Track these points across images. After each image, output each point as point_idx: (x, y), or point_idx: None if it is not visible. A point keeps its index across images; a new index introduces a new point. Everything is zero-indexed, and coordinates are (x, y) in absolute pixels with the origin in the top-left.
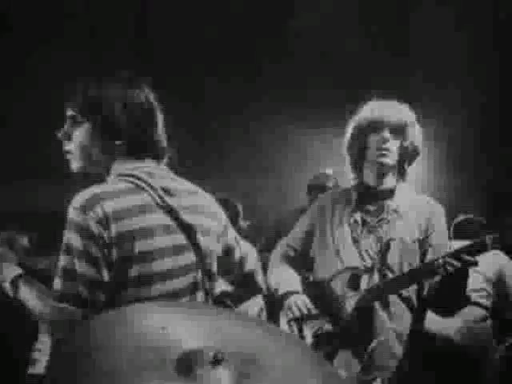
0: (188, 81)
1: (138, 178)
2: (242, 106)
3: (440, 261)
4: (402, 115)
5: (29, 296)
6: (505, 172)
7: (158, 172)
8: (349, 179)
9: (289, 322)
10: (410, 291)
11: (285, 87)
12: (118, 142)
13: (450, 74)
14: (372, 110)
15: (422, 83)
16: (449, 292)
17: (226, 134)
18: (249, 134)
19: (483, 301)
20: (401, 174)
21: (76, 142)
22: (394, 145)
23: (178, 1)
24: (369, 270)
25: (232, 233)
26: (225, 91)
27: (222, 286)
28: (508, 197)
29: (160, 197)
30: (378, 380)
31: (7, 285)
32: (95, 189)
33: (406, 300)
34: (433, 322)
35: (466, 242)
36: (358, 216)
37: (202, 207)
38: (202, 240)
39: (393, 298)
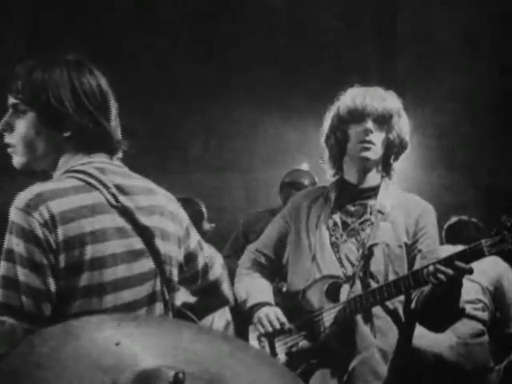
0: (144, 64)
1: (89, 175)
2: (204, 92)
3: (430, 268)
4: (387, 104)
5: None
6: (503, 168)
7: (111, 168)
8: (327, 176)
9: (259, 337)
10: (397, 303)
11: (253, 70)
12: (65, 134)
13: (440, 59)
14: (353, 97)
15: (409, 68)
16: (440, 304)
17: (186, 123)
18: (212, 123)
19: (479, 313)
20: (386, 170)
21: (19, 133)
22: (377, 137)
23: None
24: (349, 279)
25: (195, 237)
26: (185, 74)
27: (183, 296)
28: (507, 196)
29: (113, 196)
30: None
31: None
32: (40, 187)
33: (392, 313)
34: (422, 337)
35: (460, 247)
36: (337, 217)
37: (161, 208)
38: (160, 245)
39: (377, 310)
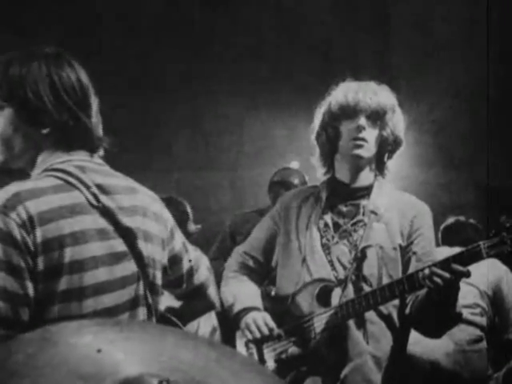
0: (125, 57)
1: (68, 174)
2: (189, 86)
3: (426, 271)
4: (381, 99)
5: None
6: (503, 166)
7: (91, 166)
8: (318, 175)
9: (247, 343)
10: (391, 307)
11: (241, 63)
12: (44, 131)
13: (436, 51)
14: (345, 92)
15: (403, 61)
16: (436, 308)
17: (169, 119)
18: (197, 119)
19: (477, 319)
20: (379, 168)
21: None
22: (371, 134)
23: None
24: (341, 283)
25: (179, 238)
26: (169, 68)
27: (167, 301)
28: (506, 196)
29: (94, 195)
30: None
31: None
32: (17, 186)
33: (386, 318)
34: (417, 343)
35: (457, 249)
36: (328, 218)
37: (144, 208)
38: (143, 247)
39: (370, 315)
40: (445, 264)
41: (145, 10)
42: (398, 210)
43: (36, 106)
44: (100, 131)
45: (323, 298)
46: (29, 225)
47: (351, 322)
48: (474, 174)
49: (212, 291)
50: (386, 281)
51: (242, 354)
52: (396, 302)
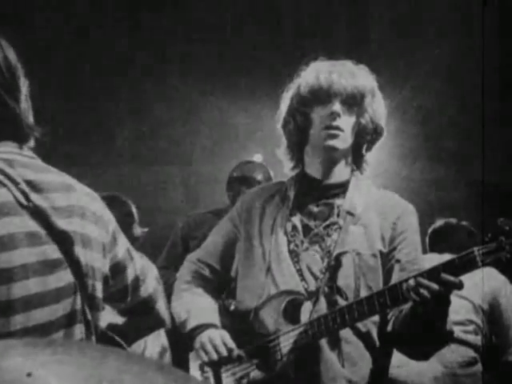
0: (61, 34)
1: None
2: (134, 68)
3: (411, 282)
4: (358, 81)
5: None
6: (500, 160)
7: (20, 159)
8: (285, 169)
9: (202, 366)
10: (370, 324)
11: (194, 42)
12: None
13: (422, 26)
14: (317, 73)
15: (384, 38)
16: (423, 326)
17: (112, 105)
18: (144, 106)
19: (471, 337)
20: (357, 162)
21: None
22: (346, 122)
23: None
24: (312, 295)
25: (123, 244)
26: (110, 47)
27: (109, 316)
28: (504, 194)
29: (23, 193)
30: None
31: None
32: None
33: (364, 337)
34: (401, 367)
35: (447, 256)
36: (297, 220)
37: (83, 208)
38: (81, 254)
39: (346, 333)
40: (433, 273)
41: None
42: (378, 211)
43: None
44: (30, 118)
45: (291, 313)
46: None
47: (324, 342)
48: (467, 169)
49: (161, 305)
50: (364, 293)
51: (197, 379)
52: (376, 318)
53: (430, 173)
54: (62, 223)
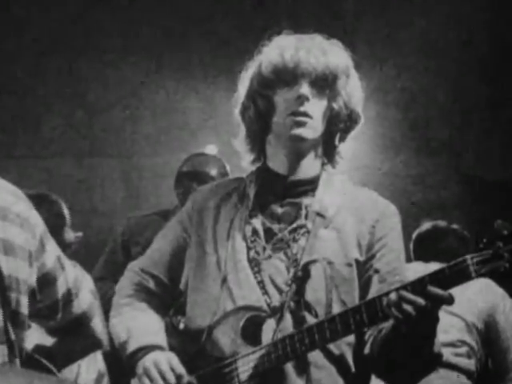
0: None
1: None
2: (64, 43)
3: (392, 296)
4: (330, 59)
5: None
6: (496, 152)
7: None
8: (243, 163)
9: None
10: (344, 346)
11: (136, 13)
12: None
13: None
14: (281, 50)
15: (361, 6)
16: (406, 347)
17: (38, 87)
18: (76, 89)
19: (463, 361)
20: (328, 154)
21: None
22: (316, 107)
23: None
24: (276, 312)
25: (53, 251)
26: (35, 18)
27: (36, 336)
28: (502, 192)
29: None
30: None
31: None
32: None
33: (337, 360)
34: None
35: (435, 266)
36: (258, 223)
37: (4, 209)
38: (3, 262)
39: (315, 357)
40: (418, 286)
41: None
42: (353, 212)
43: None
44: None
45: (251, 332)
46: None
47: (289, 367)
48: (459, 163)
49: (97, 323)
50: (337, 309)
51: None
52: (351, 338)
53: (415, 167)
54: None
